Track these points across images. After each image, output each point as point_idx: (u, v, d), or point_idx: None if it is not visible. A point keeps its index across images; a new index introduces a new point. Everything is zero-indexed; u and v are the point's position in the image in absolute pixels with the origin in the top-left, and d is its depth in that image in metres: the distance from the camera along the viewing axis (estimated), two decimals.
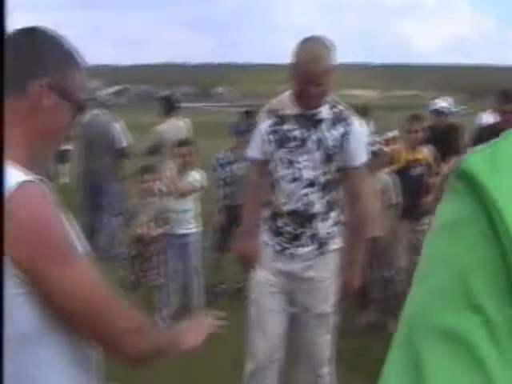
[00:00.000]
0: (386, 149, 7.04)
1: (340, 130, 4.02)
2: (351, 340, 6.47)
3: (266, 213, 4.22)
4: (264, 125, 4.16)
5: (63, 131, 1.91)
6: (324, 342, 4.30)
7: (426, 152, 7.01)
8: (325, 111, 4.03)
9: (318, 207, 4.05)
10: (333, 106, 4.07)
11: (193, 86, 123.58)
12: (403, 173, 7.04)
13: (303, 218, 4.05)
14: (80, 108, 1.90)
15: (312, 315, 4.23)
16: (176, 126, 8.22)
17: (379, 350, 6.07)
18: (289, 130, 4.03)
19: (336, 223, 4.20)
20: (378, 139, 7.02)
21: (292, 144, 4.01)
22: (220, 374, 5.63)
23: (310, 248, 4.11)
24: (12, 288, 1.59)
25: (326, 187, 4.06)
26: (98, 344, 1.81)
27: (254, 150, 4.25)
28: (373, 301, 7.15)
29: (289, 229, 4.08)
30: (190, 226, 7.10)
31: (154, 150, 8.11)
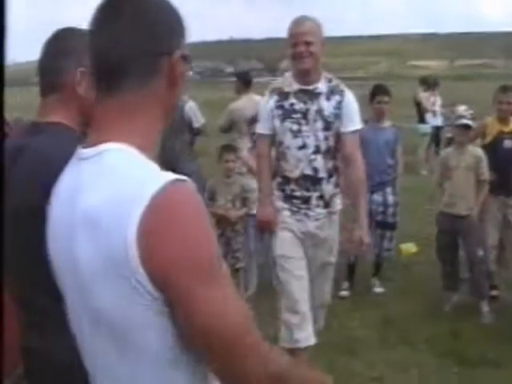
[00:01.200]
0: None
1: (335, 100, 4.59)
2: (442, 323, 6.25)
3: (278, 180, 4.75)
4: (269, 102, 4.68)
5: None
6: (325, 288, 4.96)
7: None
8: (321, 85, 4.61)
9: (323, 171, 4.61)
10: (328, 81, 4.66)
11: (258, 62, 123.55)
12: (495, 145, 6.69)
13: (311, 181, 4.61)
14: (190, 66, 1.68)
15: (319, 264, 4.81)
16: (253, 102, 7.98)
17: (471, 333, 5.94)
18: (292, 104, 4.59)
19: (337, 186, 4.75)
20: (469, 112, 6.63)
21: (296, 116, 4.57)
22: None
23: (319, 208, 4.67)
24: (141, 306, 1.38)
25: (328, 153, 4.61)
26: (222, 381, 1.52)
27: (262, 126, 4.75)
28: (462, 281, 6.83)
29: (299, 193, 4.64)
30: None
31: (231, 127, 7.89)
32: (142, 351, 1.43)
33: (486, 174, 6.46)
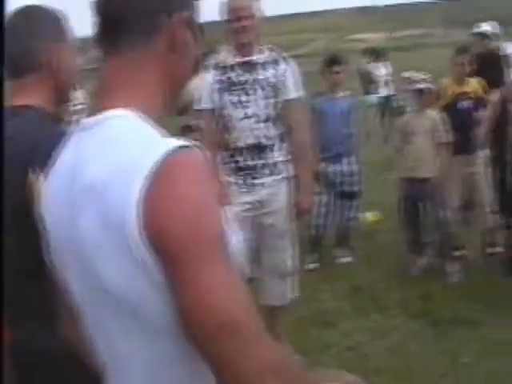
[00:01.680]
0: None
1: (276, 69, 4.66)
2: (412, 287, 6.32)
3: (222, 153, 4.75)
4: (210, 77, 4.70)
5: (190, 72, 1.60)
6: (285, 256, 4.90)
7: (474, 84, 6.67)
8: (261, 56, 4.67)
9: (268, 140, 4.67)
10: (268, 51, 4.73)
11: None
12: (452, 107, 6.74)
13: (256, 150, 4.66)
14: (200, 41, 1.59)
15: (275, 233, 4.81)
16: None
17: (441, 294, 6.00)
18: (230, 77, 4.64)
19: (283, 153, 4.76)
20: (424, 77, 6.70)
21: (235, 88, 4.62)
22: None
23: (266, 176, 4.70)
24: (141, 276, 1.30)
25: (270, 121, 4.65)
26: (218, 374, 1.34)
27: (204, 101, 4.73)
28: (427, 245, 6.89)
29: (247, 162, 4.67)
30: None
31: (187, 108, 7.82)
32: (141, 323, 1.36)
33: (444, 136, 6.51)
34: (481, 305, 5.77)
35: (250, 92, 4.61)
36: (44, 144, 1.78)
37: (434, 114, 6.65)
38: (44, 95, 2.26)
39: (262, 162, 4.68)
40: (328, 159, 7.03)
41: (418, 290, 6.22)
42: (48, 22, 2.30)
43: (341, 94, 7.17)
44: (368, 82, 15.89)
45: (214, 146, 4.69)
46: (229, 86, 4.63)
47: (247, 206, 4.70)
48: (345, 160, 7.10)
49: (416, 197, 6.67)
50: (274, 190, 4.75)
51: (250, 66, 4.64)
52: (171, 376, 1.41)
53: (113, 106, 1.40)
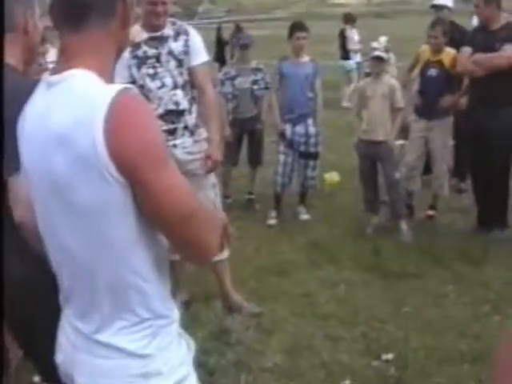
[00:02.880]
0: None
1: (182, 39, 5.00)
2: (365, 243, 6.71)
3: None
4: (124, 54, 4.82)
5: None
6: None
7: (450, 54, 7.00)
8: (168, 30, 5.00)
9: (184, 104, 5.03)
10: (173, 24, 5.06)
11: (176, 6, 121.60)
12: (422, 72, 7.18)
13: (175, 114, 5.01)
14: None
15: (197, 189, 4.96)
16: None
17: (392, 250, 6.40)
18: (145, 52, 4.97)
19: (198, 116, 5.15)
20: (382, 44, 7.03)
21: (150, 61, 4.97)
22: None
23: (185, 137, 5.06)
24: (111, 193, 1.70)
25: (185, 86, 5.04)
26: (180, 247, 1.88)
27: (119, 78, 4.76)
28: (383, 204, 7.31)
29: (166, 127, 4.91)
30: None
31: None
32: (108, 235, 1.76)
33: (401, 101, 6.86)
34: (426, 261, 6.21)
35: (164, 63, 4.97)
36: (17, 96, 2.09)
37: (391, 81, 7.02)
38: (15, 54, 2.61)
39: (181, 124, 5.03)
40: (291, 120, 7.35)
41: (370, 245, 6.62)
42: None
43: (305, 58, 7.45)
44: (344, 48, 16.09)
45: None
46: (144, 60, 4.96)
47: None
48: (308, 121, 7.39)
49: (373, 158, 7.03)
50: (193, 149, 5.07)
51: (161, 40, 4.98)
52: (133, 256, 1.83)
53: (75, 68, 1.78)
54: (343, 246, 6.72)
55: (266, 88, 7.81)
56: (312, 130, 7.40)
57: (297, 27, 7.39)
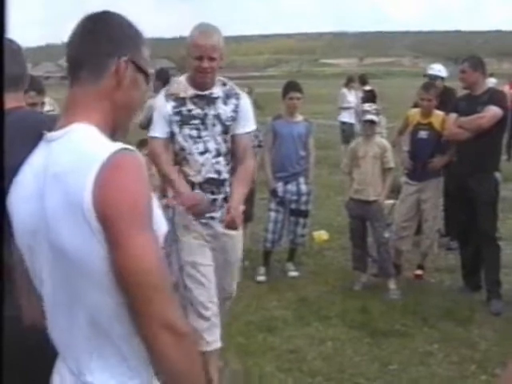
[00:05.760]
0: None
1: (232, 103, 4.68)
2: (353, 301, 6.77)
3: None
4: (166, 107, 4.66)
5: (140, 103, 2.09)
6: (233, 281, 5.03)
7: (440, 117, 7.18)
8: (217, 90, 4.67)
9: (226, 173, 4.70)
10: (223, 84, 4.72)
11: (169, 61, 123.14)
12: (413, 135, 7.36)
13: (216, 184, 4.68)
14: (148, 81, 2.10)
15: (229, 262, 4.89)
16: None
17: (380, 308, 6.47)
18: (189, 110, 4.62)
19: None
20: (373, 107, 7.21)
21: (194, 121, 4.62)
22: None
23: (224, 209, 4.63)
24: (91, 239, 1.76)
25: (227, 155, 4.70)
26: (133, 315, 1.82)
27: (158, 130, 4.69)
28: (371, 263, 7.43)
29: (207, 196, 4.63)
30: None
31: (149, 123, 8.19)
32: (88, 276, 1.82)
33: (392, 162, 7.01)
34: (413, 320, 6.27)
35: (209, 127, 4.62)
36: None
37: (382, 142, 7.18)
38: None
39: (221, 195, 4.67)
40: (283, 178, 7.48)
41: (358, 303, 6.67)
42: None
43: (299, 117, 7.61)
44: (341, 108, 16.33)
45: (173, 166, 4.71)
46: (188, 120, 4.61)
47: (207, 238, 4.73)
48: (300, 180, 7.53)
49: (363, 217, 7.14)
50: None
51: (208, 100, 4.62)
52: (111, 324, 1.88)
53: (75, 122, 1.89)
54: (331, 303, 6.77)
55: (259, 146, 7.92)
56: (303, 188, 7.52)
57: (291, 87, 7.56)
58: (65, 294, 1.89)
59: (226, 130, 4.65)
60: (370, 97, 14.91)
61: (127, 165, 1.79)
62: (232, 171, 4.72)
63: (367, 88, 16.16)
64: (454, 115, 6.80)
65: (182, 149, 4.65)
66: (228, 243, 4.81)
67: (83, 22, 1.97)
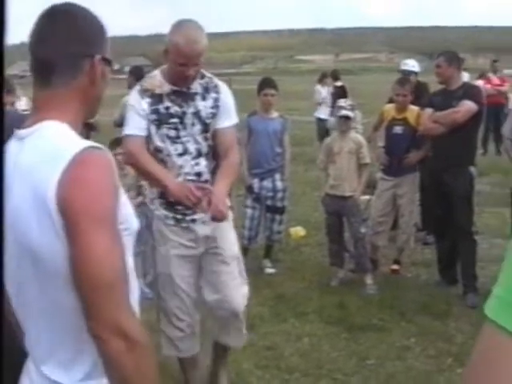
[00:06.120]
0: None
1: (212, 98, 4.33)
2: (330, 296, 6.79)
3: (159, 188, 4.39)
4: (141, 104, 4.28)
5: (103, 93, 2.10)
6: (233, 289, 4.59)
7: (414, 112, 7.23)
8: (195, 84, 4.30)
9: (207, 174, 4.34)
10: (201, 77, 4.34)
11: (145, 59, 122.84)
12: (388, 130, 7.41)
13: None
14: (112, 69, 2.10)
15: (220, 262, 4.46)
16: None
17: (357, 303, 6.47)
18: (167, 108, 4.25)
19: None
20: (348, 103, 7.22)
21: (172, 121, 4.25)
22: None
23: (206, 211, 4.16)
24: (54, 235, 1.75)
25: (208, 155, 4.35)
26: (84, 311, 1.78)
27: (134, 127, 4.28)
28: (347, 258, 7.44)
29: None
30: None
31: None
32: (53, 275, 1.81)
33: (367, 157, 7.02)
34: (390, 314, 6.29)
35: (188, 126, 4.28)
36: None
37: (357, 137, 7.18)
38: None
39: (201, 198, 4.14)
40: (259, 175, 7.48)
41: (335, 299, 6.69)
42: None
43: (274, 114, 7.61)
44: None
45: (155, 162, 4.28)
46: (166, 119, 4.26)
47: (189, 244, 4.40)
48: (276, 176, 7.53)
49: (339, 213, 7.15)
50: (212, 224, 4.30)
51: (186, 96, 4.28)
52: (67, 320, 1.87)
53: (46, 119, 1.88)
54: (308, 299, 6.78)
55: None
56: (279, 184, 7.53)
57: (266, 84, 7.56)
58: (29, 292, 1.88)
59: (206, 129, 4.32)
60: (340, 92, 14.97)
61: (93, 162, 1.78)
62: (215, 169, 4.36)
63: (338, 84, 16.21)
64: (429, 110, 6.83)
65: (159, 150, 4.29)
66: (214, 242, 4.42)
67: (46, 17, 1.94)
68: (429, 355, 5.49)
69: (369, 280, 7.01)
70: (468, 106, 6.54)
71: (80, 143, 1.78)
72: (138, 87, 4.40)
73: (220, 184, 4.19)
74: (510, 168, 6.75)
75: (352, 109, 7.15)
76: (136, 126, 4.27)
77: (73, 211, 1.72)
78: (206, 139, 4.33)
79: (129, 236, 1.93)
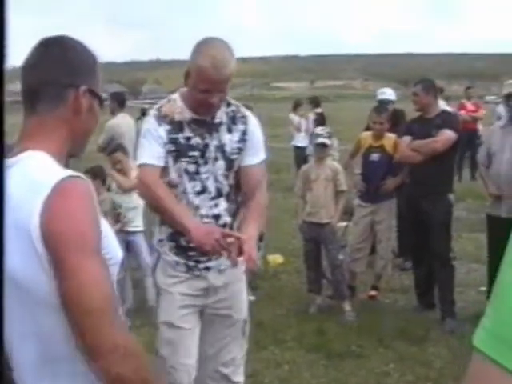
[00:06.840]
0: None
1: (238, 130, 3.78)
2: (309, 323, 6.81)
3: (169, 229, 3.79)
4: (159, 132, 3.71)
5: (95, 127, 2.10)
6: (236, 350, 4.09)
7: (391, 139, 7.31)
8: (220, 113, 3.74)
9: (226, 217, 3.76)
10: (227, 105, 3.80)
11: (121, 85, 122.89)
12: (365, 158, 7.47)
13: None
14: (102, 104, 2.12)
15: (227, 322, 3.95)
16: (127, 121, 8.38)
17: (335, 329, 6.50)
18: (187, 139, 3.69)
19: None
20: (325, 131, 7.29)
21: (192, 153, 3.68)
22: None
23: (224, 259, 3.59)
24: (39, 265, 1.77)
25: (230, 195, 3.78)
26: (78, 341, 1.80)
27: (151, 156, 3.70)
28: (325, 285, 7.47)
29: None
30: (137, 224, 7.26)
31: (110, 145, 8.21)
32: (38, 305, 1.84)
33: (344, 184, 7.08)
34: (369, 341, 6.32)
35: (210, 161, 3.69)
36: None
37: (334, 165, 7.25)
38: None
39: None
40: None
41: (313, 325, 6.71)
42: None
43: None
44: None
45: (172, 195, 3.69)
46: (186, 151, 3.67)
47: (198, 293, 3.81)
48: None
49: (317, 240, 7.18)
50: (230, 273, 3.76)
51: (210, 127, 3.71)
52: (60, 350, 1.88)
53: (30, 149, 1.91)
54: (287, 326, 6.80)
55: None
56: None
57: None
58: (14, 323, 1.88)
59: (230, 166, 3.73)
60: (319, 119, 15.04)
61: (74, 191, 1.81)
62: (237, 212, 3.82)
63: (318, 110, 16.24)
64: (407, 138, 6.91)
65: (173, 185, 3.70)
66: (227, 297, 3.86)
67: (39, 47, 1.98)
68: (407, 381, 5.53)
69: (347, 307, 7.04)
70: (448, 135, 6.63)
71: (59, 173, 1.81)
72: (154, 112, 3.79)
73: (250, 229, 3.61)
74: (485, 194, 6.82)
75: (329, 136, 7.21)
76: (153, 155, 3.68)
77: (56, 242, 1.74)
78: (227, 178, 3.75)
79: (114, 266, 1.95)
